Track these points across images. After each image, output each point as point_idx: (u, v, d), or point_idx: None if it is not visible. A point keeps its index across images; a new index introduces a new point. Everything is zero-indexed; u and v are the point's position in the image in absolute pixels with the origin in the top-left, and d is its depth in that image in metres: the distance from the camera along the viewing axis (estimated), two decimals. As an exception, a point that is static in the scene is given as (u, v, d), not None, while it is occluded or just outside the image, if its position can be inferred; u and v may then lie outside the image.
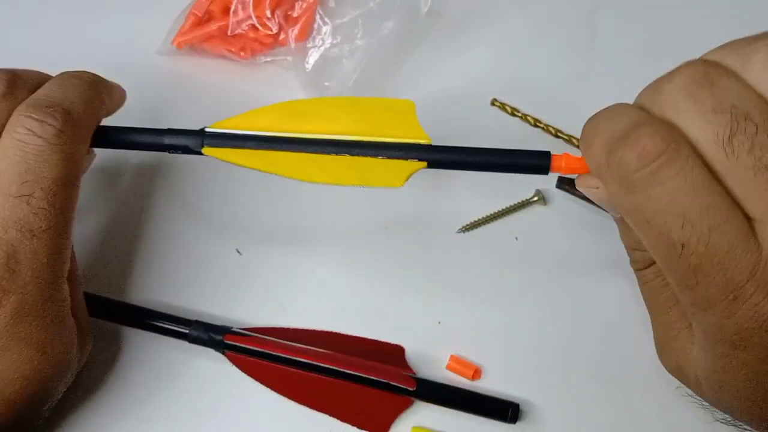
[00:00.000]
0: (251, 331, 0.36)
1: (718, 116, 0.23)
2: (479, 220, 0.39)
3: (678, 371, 0.30)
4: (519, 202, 0.39)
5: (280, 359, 0.35)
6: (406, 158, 0.31)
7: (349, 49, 0.41)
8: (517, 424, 0.35)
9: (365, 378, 0.35)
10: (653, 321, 0.31)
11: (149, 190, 0.40)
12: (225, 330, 0.35)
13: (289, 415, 0.36)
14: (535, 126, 0.41)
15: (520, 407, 0.35)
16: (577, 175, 0.29)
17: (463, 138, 0.41)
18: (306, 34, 0.41)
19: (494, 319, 0.37)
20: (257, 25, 0.41)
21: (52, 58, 0.43)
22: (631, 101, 0.42)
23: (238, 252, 0.39)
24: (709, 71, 0.24)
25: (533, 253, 0.38)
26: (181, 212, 0.40)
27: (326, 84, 0.41)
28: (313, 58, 0.41)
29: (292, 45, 0.41)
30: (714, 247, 0.23)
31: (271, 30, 0.41)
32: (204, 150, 0.32)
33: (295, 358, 0.35)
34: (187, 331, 0.36)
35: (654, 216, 0.24)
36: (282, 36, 0.41)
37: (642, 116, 0.25)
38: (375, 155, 0.31)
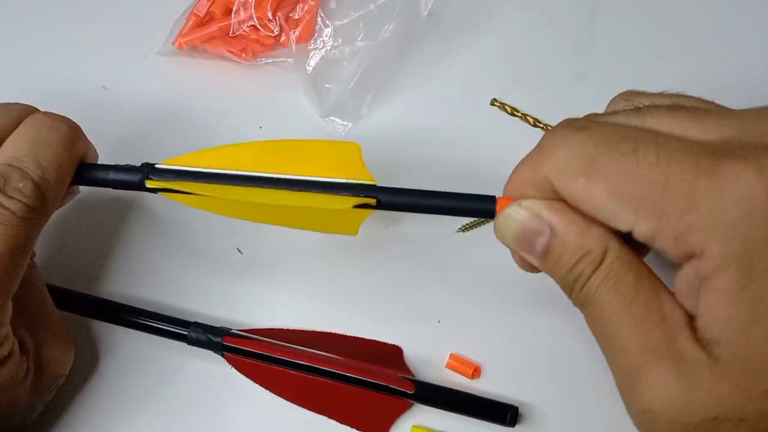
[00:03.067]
0: (250, 333, 0.36)
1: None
2: (479, 219, 0.39)
3: (661, 403, 0.24)
4: (519, 202, 0.39)
5: (279, 361, 0.35)
6: (354, 195, 0.30)
7: (350, 51, 0.41)
8: (516, 427, 0.35)
9: (364, 381, 0.35)
10: (612, 349, 0.25)
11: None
12: (224, 332, 0.35)
13: (288, 418, 0.36)
14: (535, 126, 0.41)
15: (519, 410, 0.35)
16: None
17: (463, 138, 0.41)
18: (307, 35, 0.41)
19: (494, 320, 0.37)
20: (258, 27, 0.41)
21: (52, 58, 0.43)
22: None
23: (239, 251, 0.39)
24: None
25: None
26: (181, 211, 0.40)
27: (327, 86, 0.41)
28: (314, 60, 0.41)
29: (293, 46, 0.41)
30: (665, 141, 0.24)
31: (273, 31, 0.41)
32: (148, 183, 0.31)
33: (294, 360, 0.35)
34: (186, 333, 0.36)
35: (598, 143, 0.25)
36: (283, 37, 0.41)
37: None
38: (324, 192, 0.31)
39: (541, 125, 0.41)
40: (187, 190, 0.31)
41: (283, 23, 0.41)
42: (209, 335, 0.35)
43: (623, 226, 0.24)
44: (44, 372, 0.32)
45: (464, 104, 0.42)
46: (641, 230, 0.24)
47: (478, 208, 0.30)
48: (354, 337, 0.37)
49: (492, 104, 0.42)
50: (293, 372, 0.35)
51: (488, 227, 0.39)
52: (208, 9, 0.42)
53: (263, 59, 0.42)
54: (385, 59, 0.41)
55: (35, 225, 0.30)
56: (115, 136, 0.40)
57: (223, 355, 0.36)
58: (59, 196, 0.31)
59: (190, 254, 0.39)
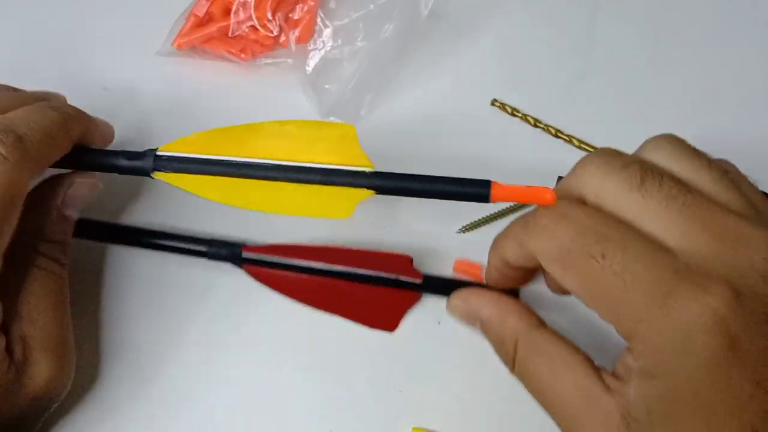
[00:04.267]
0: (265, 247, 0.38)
1: (628, 169, 0.28)
2: (480, 220, 0.39)
3: None
4: (519, 203, 0.39)
5: (295, 267, 0.36)
6: (353, 185, 0.32)
7: (350, 51, 0.41)
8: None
9: (375, 277, 0.36)
10: (553, 416, 0.29)
11: (145, 189, 0.40)
12: (241, 245, 0.37)
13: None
14: (535, 126, 0.41)
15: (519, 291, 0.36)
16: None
17: (464, 138, 0.41)
18: (307, 36, 0.41)
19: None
20: (258, 27, 0.41)
21: (52, 59, 0.43)
22: (630, 101, 0.42)
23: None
24: (614, 154, 0.29)
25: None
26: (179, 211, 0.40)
27: (326, 86, 0.41)
28: (313, 60, 0.41)
29: (293, 47, 0.41)
30: (632, 250, 0.26)
31: (272, 32, 0.41)
32: (154, 175, 0.33)
33: (309, 265, 0.36)
34: (206, 250, 0.37)
35: (572, 242, 0.27)
36: (282, 38, 0.41)
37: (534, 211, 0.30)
38: (322, 182, 0.32)
39: (541, 125, 0.41)
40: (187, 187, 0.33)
41: (282, 23, 0.41)
42: (229, 249, 0.37)
43: (589, 306, 0.28)
44: (29, 388, 0.32)
45: (464, 104, 0.42)
46: (601, 316, 0.28)
47: (474, 192, 0.31)
48: (364, 250, 0.38)
49: (492, 104, 0.42)
50: (308, 277, 0.36)
51: (488, 227, 0.39)
52: (207, 9, 0.42)
53: (263, 60, 0.42)
54: (385, 59, 0.41)
55: (13, 181, 0.30)
56: (115, 136, 0.40)
57: (242, 266, 0.37)
58: (41, 164, 0.32)
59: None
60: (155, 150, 0.33)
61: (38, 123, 0.32)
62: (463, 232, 0.39)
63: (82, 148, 0.34)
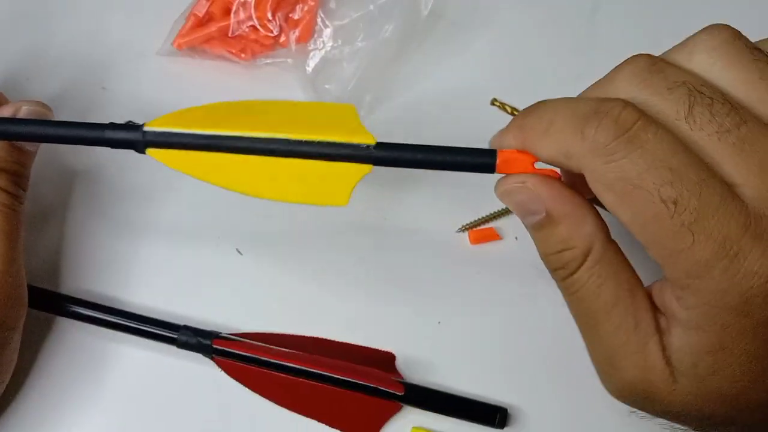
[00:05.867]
0: (240, 336, 0.36)
1: (674, 93, 0.24)
2: (479, 219, 0.39)
3: (633, 388, 0.26)
4: (519, 203, 0.39)
5: (269, 364, 0.35)
6: (350, 157, 0.30)
7: (350, 51, 0.41)
8: (505, 429, 0.35)
9: (353, 383, 0.35)
10: (592, 336, 0.27)
11: (143, 188, 0.40)
12: (214, 335, 0.36)
13: (278, 421, 0.36)
14: (535, 126, 0.41)
15: (509, 412, 0.35)
16: (500, 176, 0.29)
17: (464, 139, 0.41)
18: (307, 36, 0.41)
19: (492, 320, 0.37)
20: (258, 27, 0.41)
21: (51, 59, 0.43)
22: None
23: (239, 252, 0.39)
24: (655, 60, 0.25)
25: (533, 253, 0.38)
26: (179, 211, 0.40)
27: (326, 86, 0.41)
28: (313, 60, 0.41)
29: (293, 47, 0.41)
30: (706, 199, 0.23)
31: (272, 32, 0.41)
32: (147, 151, 0.31)
33: (283, 363, 0.35)
34: (175, 336, 0.36)
35: (641, 178, 0.24)
36: (282, 38, 0.41)
37: (602, 98, 0.25)
38: (320, 153, 0.30)
39: (541, 125, 0.41)
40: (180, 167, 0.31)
41: (282, 23, 0.41)
42: (199, 338, 0.35)
43: (642, 243, 0.25)
44: None
45: (464, 104, 0.42)
46: (651, 254, 0.25)
47: (478, 162, 0.29)
48: (346, 343, 0.37)
49: (492, 104, 0.42)
50: (283, 375, 0.35)
51: (488, 227, 0.39)
52: (207, 9, 0.41)
53: (263, 60, 0.42)
54: (385, 60, 0.41)
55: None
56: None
57: (212, 359, 0.36)
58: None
59: (188, 256, 0.39)
60: (141, 125, 0.31)
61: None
62: (463, 231, 0.39)
63: (59, 122, 0.32)
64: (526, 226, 0.28)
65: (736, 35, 0.26)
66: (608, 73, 0.27)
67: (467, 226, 0.39)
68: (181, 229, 0.39)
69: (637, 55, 0.26)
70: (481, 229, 0.39)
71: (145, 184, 0.40)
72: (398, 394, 0.35)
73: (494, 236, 0.39)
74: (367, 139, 0.30)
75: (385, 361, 0.36)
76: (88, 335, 0.37)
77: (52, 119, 0.35)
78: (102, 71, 0.43)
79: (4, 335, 0.33)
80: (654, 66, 0.25)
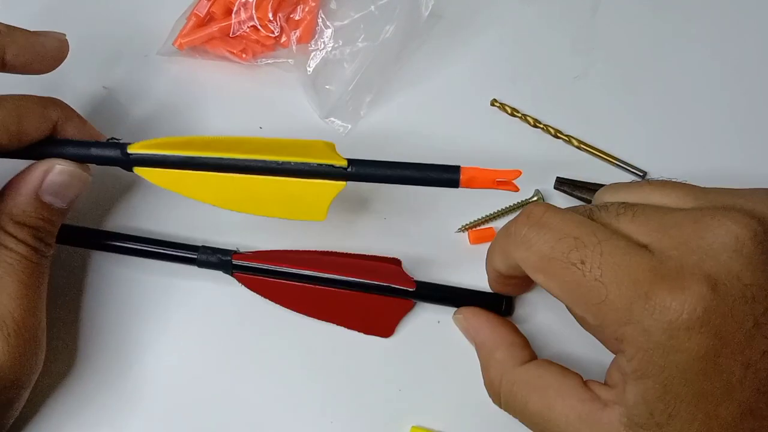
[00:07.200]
0: (256, 254, 0.37)
1: (577, 210, 0.30)
2: (479, 219, 0.39)
3: None
4: (518, 202, 0.39)
5: (287, 275, 0.36)
6: (327, 174, 0.32)
7: (350, 52, 0.41)
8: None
9: (367, 284, 0.36)
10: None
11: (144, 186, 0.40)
12: (232, 252, 0.37)
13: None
14: (535, 126, 0.41)
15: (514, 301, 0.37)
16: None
17: (463, 139, 0.41)
18: (308, 36, 0.41)
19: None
20: (259, 27, 0.41)
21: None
22: (629, 101, 0.42)
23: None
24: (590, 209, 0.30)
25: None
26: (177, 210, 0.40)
27: (327, 87, 0.41)
28: (314, 61, 0.41)
29: (294, 47, 0.41)
30: (609, 253, 0.27)
31: (273, 32, 0.41)
32: (135, 170, 0.33)
33: (300, 271, 0.36)
34: (195, 256, 0.37)
35: (553, 250, 0.28)
36: (283, 38, 0.41)
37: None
38: (296, 171, 0.32)
39: (541, 125, 0.41)
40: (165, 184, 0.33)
41: (283, 24, 0.41)
42: (219, 255, 0.36)
43: (575, 312, 0.30)
44: None
45: (464, 104, 0.42)
46: (587, 323, 0.29)
47: (444, 177, 0.32)
48: (354, 253, 0.38)
49: (492, 104, 0.42)
50: (300, 284, 0.36)
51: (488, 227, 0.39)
52: (208, 9, 0.42)
53: (263, 60, 0.42)
54: (386, 60, 0.41)
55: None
56: (114, 136, 0.40)
57: (232, 274, 0.37)
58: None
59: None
60: (125, 144, 0.33)
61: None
62: (463, 231, 0.39)
63: (55, 139, 0.34)
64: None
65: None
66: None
67: (467, 226, 0.39)
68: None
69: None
70: (480, 229, 0.39)
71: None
72: (410, 290, 0.36)
73: (494, 236, 0.39)
74: (339, 162, 0.33)
75: (393, 265, 0.37)
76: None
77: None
78: (103, 71, 0.43)
79: (15, 394, 0.32)
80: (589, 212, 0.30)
